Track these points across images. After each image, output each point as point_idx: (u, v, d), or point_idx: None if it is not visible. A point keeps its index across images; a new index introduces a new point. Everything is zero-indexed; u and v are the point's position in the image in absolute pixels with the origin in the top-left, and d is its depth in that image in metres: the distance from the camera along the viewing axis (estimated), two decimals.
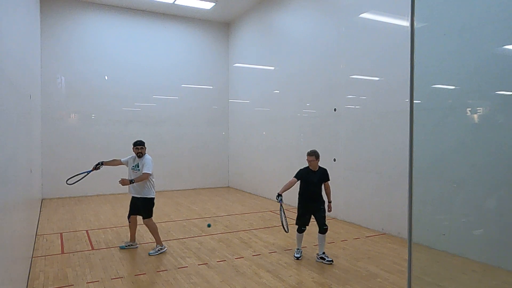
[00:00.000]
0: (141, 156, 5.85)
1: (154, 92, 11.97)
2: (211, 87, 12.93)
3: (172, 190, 12.12)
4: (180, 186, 12.40)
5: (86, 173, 5.93)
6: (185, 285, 4.58)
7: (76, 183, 5.97)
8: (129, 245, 6.05)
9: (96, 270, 5.07)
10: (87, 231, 7.09)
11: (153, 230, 5.85)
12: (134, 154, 5.91)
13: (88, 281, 4.68)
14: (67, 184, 5.94)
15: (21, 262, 4.09)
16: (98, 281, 4.70)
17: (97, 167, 5.88)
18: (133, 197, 5.90)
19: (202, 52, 12.74)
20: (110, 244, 6.22)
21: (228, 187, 13.13)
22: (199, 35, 12.68)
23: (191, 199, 10.67)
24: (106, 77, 11.25)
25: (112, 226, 7.46)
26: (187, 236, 6.75)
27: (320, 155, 5.67)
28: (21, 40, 4.74)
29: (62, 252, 5.84)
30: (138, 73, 11.65)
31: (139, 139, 5.94)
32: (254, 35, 11.60)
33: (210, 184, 12.92)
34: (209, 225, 7.26)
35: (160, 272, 4.99)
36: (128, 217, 6.02)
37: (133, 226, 6.03)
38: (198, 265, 5.27)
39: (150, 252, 5.76)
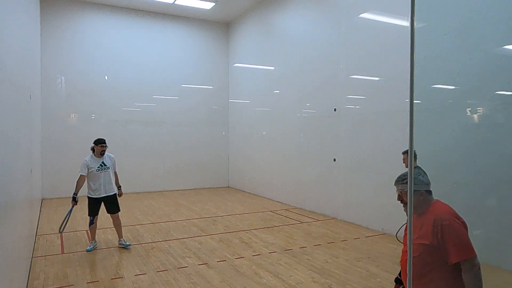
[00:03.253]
0: (103, 155, 5.93)
1: (154, 92, 11.97)
2: (211, 87, 12.93)
3: (172, 190, 12.12)
4: (180, 186, 12.39)
5: (69, 213, 5.86)
6: (185, 285, 4.58)
7: (67, 224, 5.88)
8: (95, 246, 6.00)
9: (96, 270, 5.07)
10: (87, 231, 7.08)
11: (120, 224, 6.13)
12: (89, 156, 5.92)
13: (88, 281, 4.68)
14: (60, 232, 5.88)
15: (21, 262, 4.09)
16: (98, 281, 4.69)
17: (75, 201, 5.75)
18: (98, 198, 5.87)
19: (202, 52, 12.74)
20: (110, 244, 6.22)
21: (228, 187, 13.12)
22: (199, 35, 12.68)
23: (191, 199, 10.67)
24: (106, 77, 11.25)
25: (112, 226, 7.45)
26: (187, 236, 6.75)
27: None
28: (21, 40, 4.74)
29: (62, 252, 5.84)
30: (138, 73, 11.65)
31: (101, 137, 6.04)
32: (254, 35, 11.60)
33: (210, 184, 12.91)
34: None
35: (160, 272, 4.99)
36: (93, 220, 5.91)
37: (95, 226, 6.03)
38: (198, 265, 5.27)
39: (127, 244, 6.01)
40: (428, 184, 2.40)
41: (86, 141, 10.94)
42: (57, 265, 5.26)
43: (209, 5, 11.23)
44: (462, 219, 2.25)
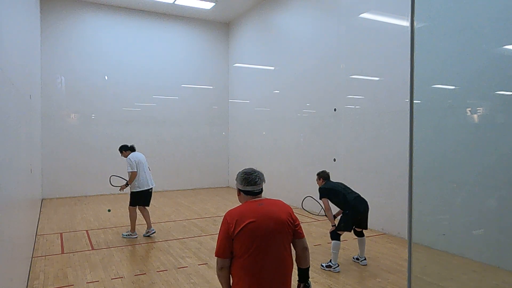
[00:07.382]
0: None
1: (154, 92, 11.97)
2: (211, 87, 12.93)
3: (172, 190, 12.12)
4: (180, 186, 12.39)
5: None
6: (185, 285, 4.58)
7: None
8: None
9: (96, 270, 5.07)
10: (87, 231, 7.09)
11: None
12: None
13: (88, 281, 4.68)
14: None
15: (21, 262, 4.09)
16: (98, 281, 4.70)
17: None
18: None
19: (202, 52, 12.74)
20: (110, 244, 6.22)
21: (228, 187, 13.12)
22: (199, 35, 12.68)
23: (191, 199, 10.67)
24: (106, 77, 11.26)
25: (112, 226, 7.46)
26: (187, 236, 6.75)
27: (320, 174, 5.91)
28: (21, 40, 4.74)
29: (62, 252, 5.84)
30: (138, 73, 11.65)
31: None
32: (254, 35, 11.60)
33: (210, 184, 12.92)
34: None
35: (160, 272, 4.99)
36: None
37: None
38: (198, 265, 5.27)
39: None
40: (241, 184, 2.61)
41: (86, 141, 11.03)
42: (57, 265, 5.26)
43: (209, 5, 11.24)
44: (233, 217, 2.43)
